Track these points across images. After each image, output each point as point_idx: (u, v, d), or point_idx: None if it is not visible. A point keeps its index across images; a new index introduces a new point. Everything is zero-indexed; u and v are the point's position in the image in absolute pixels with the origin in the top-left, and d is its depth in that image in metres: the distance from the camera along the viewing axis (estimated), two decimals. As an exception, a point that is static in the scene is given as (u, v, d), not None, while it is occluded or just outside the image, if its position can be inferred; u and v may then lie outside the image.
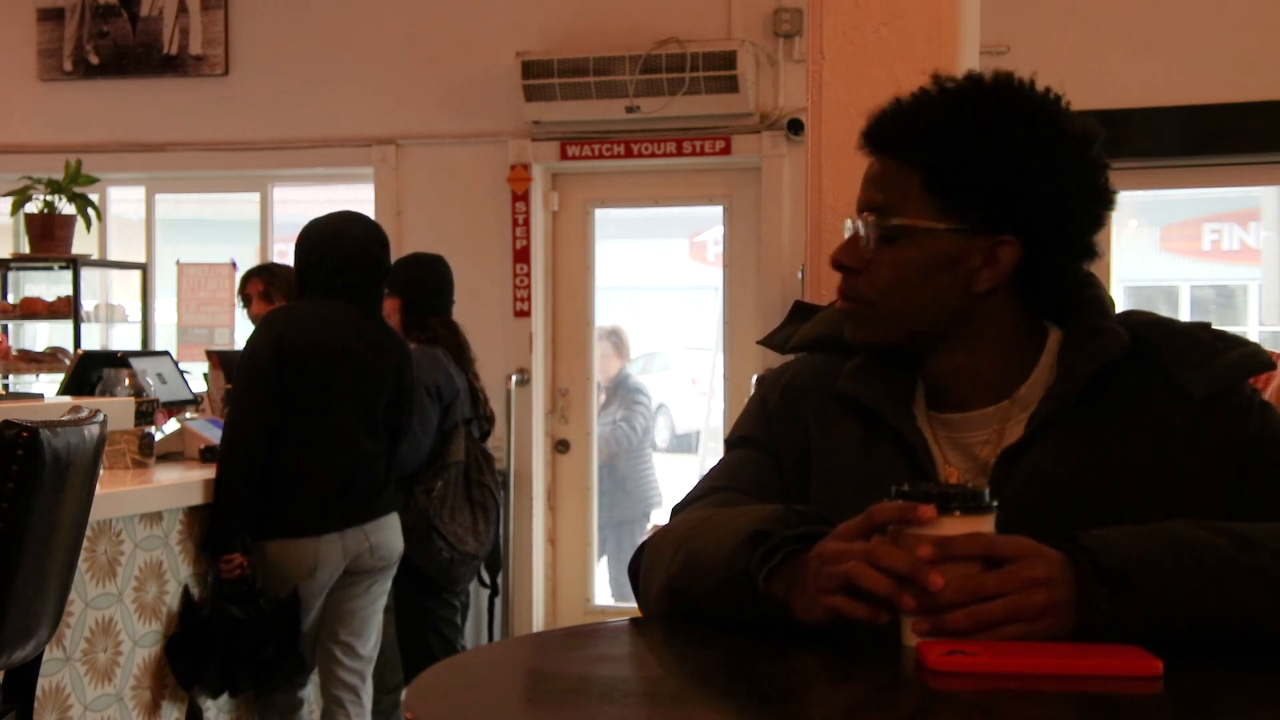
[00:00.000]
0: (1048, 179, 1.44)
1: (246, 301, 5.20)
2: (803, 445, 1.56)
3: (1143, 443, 1.44)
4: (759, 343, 1.81)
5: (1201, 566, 1.28)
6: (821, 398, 1.57)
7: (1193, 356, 1.47)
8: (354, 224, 3.80)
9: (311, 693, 3.89)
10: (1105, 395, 1.46)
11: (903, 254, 1.47)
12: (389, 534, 3.81)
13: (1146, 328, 1.51)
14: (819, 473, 1.54)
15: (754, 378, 1.72)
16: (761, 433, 1.60)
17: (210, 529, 3.62)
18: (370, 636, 3.89)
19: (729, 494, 1.56)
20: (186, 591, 3.60)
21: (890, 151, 1.48)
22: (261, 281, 5.16)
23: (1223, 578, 1.28)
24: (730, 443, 1.65)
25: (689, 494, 1.62)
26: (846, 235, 1.52)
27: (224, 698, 3.71)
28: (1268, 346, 1.55)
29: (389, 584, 3.94)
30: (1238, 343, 1.51)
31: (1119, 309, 1.57)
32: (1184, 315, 8.07)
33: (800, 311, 1.80)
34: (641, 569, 1.53)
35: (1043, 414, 1.45)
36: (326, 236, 3.74)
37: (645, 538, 1.58)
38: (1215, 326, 1.53)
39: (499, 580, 4.89)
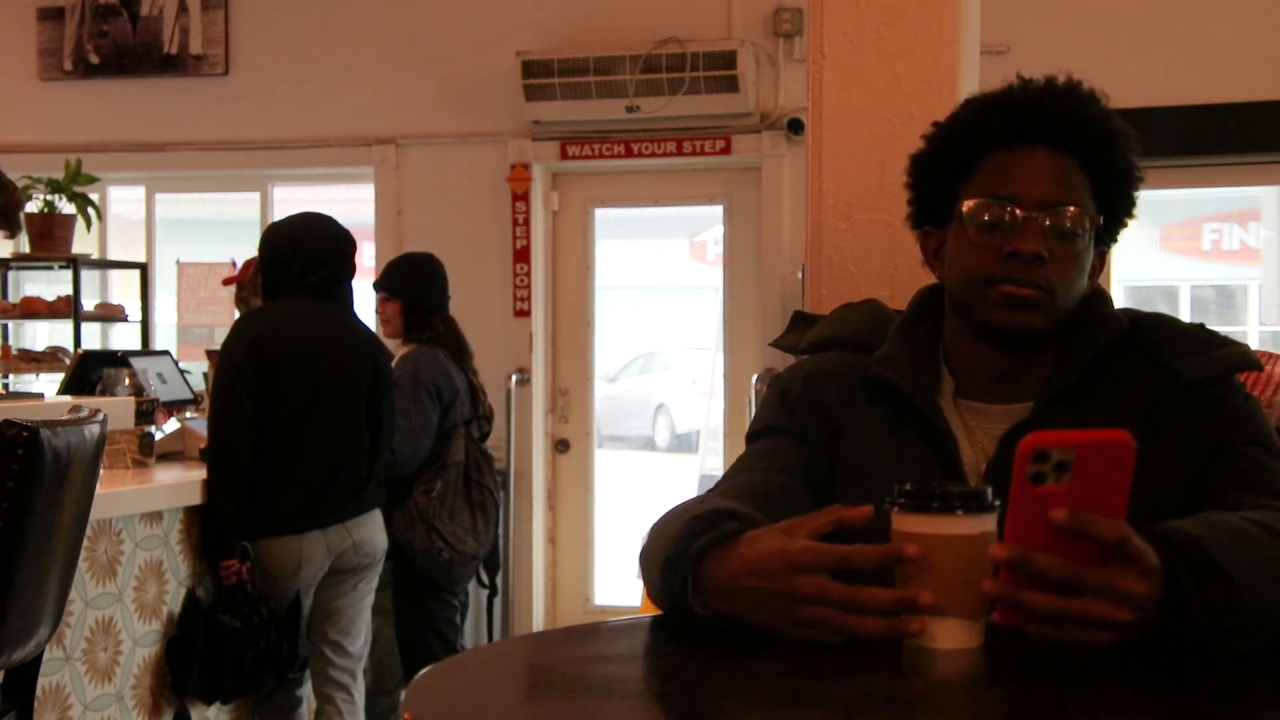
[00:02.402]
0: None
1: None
2: (829, 430, 1.60)
3: (1133, 421, 1.44)
4: (771, 344, 1.84)
5: (1268, 558, 1.27)
6: (845, 387, 1.62)
7: (1187, 346, 1.56)
8: (321, 223, 3.82)
9: (309, 692, 3.90)
10: (1102, 376, 1.55)
11: (1078, 248, 1.53)
12: (372, 530, 3.82)
13: (1147, 318, 1.61)
14: (847, 460, 1.58)
15: (753, 377, 1.74)
16: (786, 421, 1.63)
17: (205, 533, 3.63)
18: (359, 634, 3.90)
19: (755, 474, 1.58)
20: (191, 595, 3.60)
21: (1067, 149, 1.53)
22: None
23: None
24: (754, 434, 1.67)
25: (721, 479, 1.64)
26: (1011, 224, 1.51)
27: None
28: (1268, 346, 1.59)
29: (375, 581, 3.95)
30: (1231, 342, 1.60)
31: (1118, 307, 1.63)
32: (1184, 315, 8.06)
33: (801, 320, 1.85)
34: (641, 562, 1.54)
35: (1046, 395, 1.54)
36: (296, 236, 3.75)
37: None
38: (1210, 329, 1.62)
39: (498, 580, 4.88)
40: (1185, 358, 1.55)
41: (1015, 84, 1.58)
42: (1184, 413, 1.52)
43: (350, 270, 3.83)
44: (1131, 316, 1.60)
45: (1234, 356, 1.57)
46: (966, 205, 1.54)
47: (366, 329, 3.91)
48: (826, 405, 1.62)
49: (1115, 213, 1.58)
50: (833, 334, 1.71)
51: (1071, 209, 1.51)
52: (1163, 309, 1.63)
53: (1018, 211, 1.50)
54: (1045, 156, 1.52)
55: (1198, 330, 1.61)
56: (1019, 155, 1.53)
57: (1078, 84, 1.57)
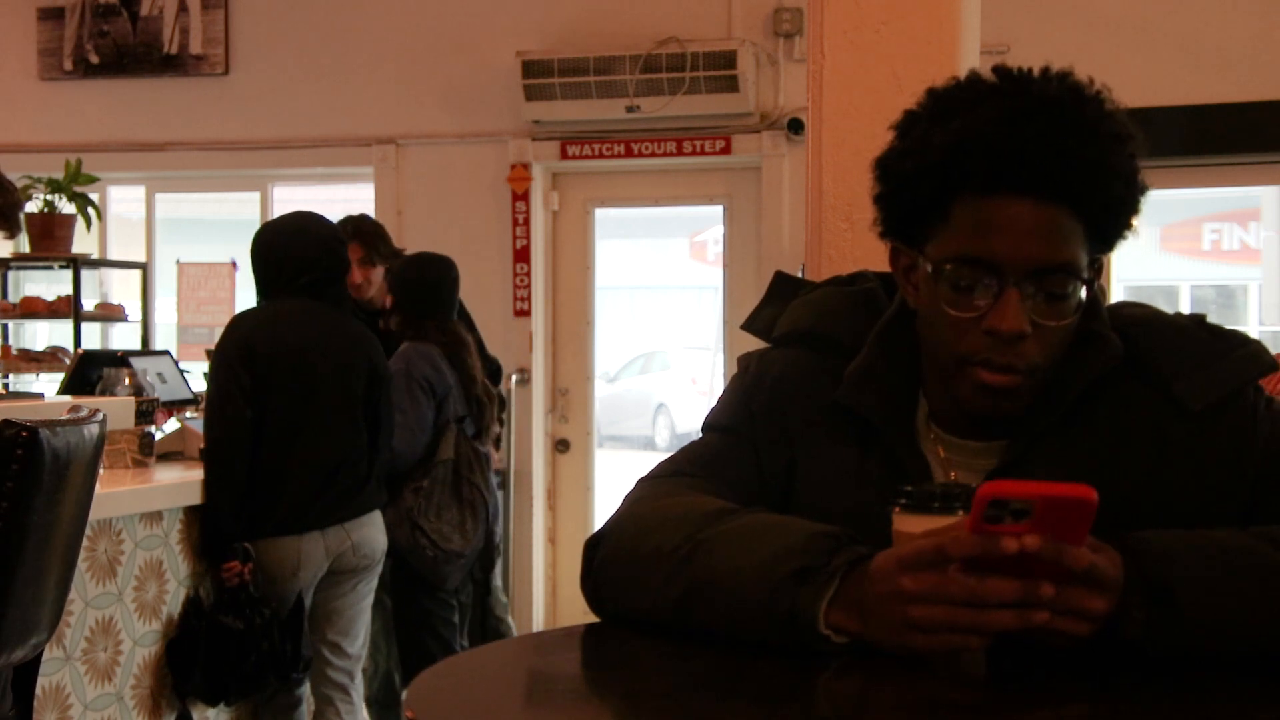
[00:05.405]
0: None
1: None
2: (787, 456, 1.47)
3: (1137, 459, 1.36)
4: (743, 328, 1.65)
5: (1252, 581, 1.23)
6: (811, 405, 1.47)
7: (1189, 360, 1.38)
8: (313, 222, 3.81)
9: (308, 692, 3.90)
10: (1096, 408, 1.38)
11: (1067, 311, 1.33)
12: (371, 531, 3.82)
13: (1138, 328, 1.42)
14: (807, 486, 1.45)
15: (736, 358, 1.64)
16: (745, 427, 1.50)
17: (204, 534, 3.63)
18: (358, 635, 3.90)
19: (699, 481, 1.46)
20: (193, 596, 3.60)
21: (1058, 199, 1.30)
22: None
23: (1273, 594, 1.23)
24: (713, 427, 1.55)
25: (661, 467, 1.54)
26: (990, 294, 1.32)
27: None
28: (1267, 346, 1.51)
29: (375, 582, 3.95)
30: (1237, 342, 1.41)
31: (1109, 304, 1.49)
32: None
33: (782, 284, 1.64)
34: (609, 576, 1.42)
35: (1029, 431, 1.38)
36: (288, 235, 3.75)
37: (603, 526, 1.49)
38: (1211, 321, 1.44)
39: (491, 579, 4.87)
40: (1190, 378, 1.36)
41: (999, 97, 1.33)
42: (1198, 445, 1.35)
43: (343, 269, 3.83)
44: (1122, 330, 1.40)
45: (1244, 364, 1.38)
46: (937, 257, 1.35)
47: (362, 328, 3.90)
48: (787, 429, 1.47)
49: (1114, 237, 1.38)
50: (814, 328, 1.52)
51: (1060, 275, 1.31)
52: (1163, 309, 1.52)
53: (996, 282, 1.31)
54: (1032, 211, 1.30)
55: (1197, 331, 1.41)
56: (1000, 206, 1.30)
57: (1078, 95, 1.34)
